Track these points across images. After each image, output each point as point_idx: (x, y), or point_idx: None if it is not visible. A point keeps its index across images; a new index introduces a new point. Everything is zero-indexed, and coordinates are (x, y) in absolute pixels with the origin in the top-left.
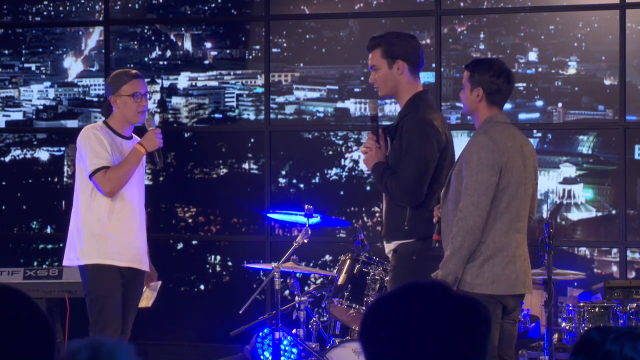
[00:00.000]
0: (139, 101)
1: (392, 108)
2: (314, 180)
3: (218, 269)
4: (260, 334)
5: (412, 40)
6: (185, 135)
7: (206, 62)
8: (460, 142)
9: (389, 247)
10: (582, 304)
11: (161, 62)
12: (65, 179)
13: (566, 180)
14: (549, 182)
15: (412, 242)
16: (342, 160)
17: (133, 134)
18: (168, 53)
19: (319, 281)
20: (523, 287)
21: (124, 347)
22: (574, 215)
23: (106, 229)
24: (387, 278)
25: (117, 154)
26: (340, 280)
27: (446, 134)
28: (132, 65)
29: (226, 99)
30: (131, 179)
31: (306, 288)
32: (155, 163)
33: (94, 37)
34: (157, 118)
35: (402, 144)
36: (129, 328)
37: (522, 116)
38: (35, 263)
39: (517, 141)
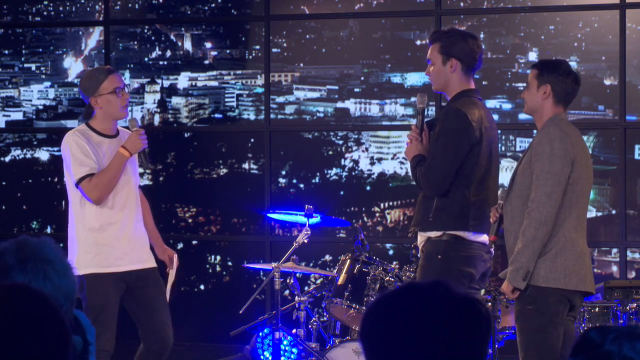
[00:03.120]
0: (121, 96)
1: (392, 108)
2: (314, 180)
3: (218, 269)
4: (260, 334)
5: (472, 41)
6: (185, 135)
7: (206, 62)
8: None
9: (419, 238)
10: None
11: (161, 62)
12: (65, 179)
13: None
14: None
15: (436, 240)
16: (342, 160)
17: (120, 128)
18: (168, 53)
19: (319, 281)
20: (591, 286)
21: (47, 241)
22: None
23: (101, 238)
24: (387, 278)
25: (103, 155)
26: (340, 280)
27: (482, 130)
28: (132, 65)
29: (226, 99)
30: (121, 179)
31: (306, 288)
32: (142, 165)
33: (94, 37)
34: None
35: (435, 134)
36: (164, 328)
37: (523, 116)
38: None
39: (581, 139)
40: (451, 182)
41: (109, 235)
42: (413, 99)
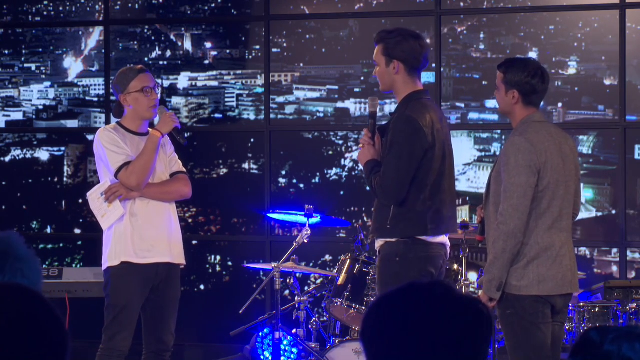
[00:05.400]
0: (149, 95)
1: (391, 108)
2: (314, 180)
3: (218, 269)
4: (260, 334)
5: (415, 42)
6: (185, 135)
7: (206, 62)
8: (459, 142)
9: (377, 243)
10: (582, 304)
11: (161, 62)
12: (65, 179)
13: None
14: None
15: (394, 242)
16: (342, 160)
17: (150, 130)
18: (168, 53)
19: (319, 281)
20: (570, 287)
21: (15, 237)
22: None
23: (132, 229)
24: None
25: (135, 151)
26: (340, 280)
27: (435, 134)
28: (132, 65)
29: (226, 99)
30: (152, 174)
31: (306, 288)
32: (179, 142)
33: (94, 37)
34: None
35: (387, 142)
36: (170, 331)
37: None
38: None
39: (555, 140)
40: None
41: (139, 227)
42: None
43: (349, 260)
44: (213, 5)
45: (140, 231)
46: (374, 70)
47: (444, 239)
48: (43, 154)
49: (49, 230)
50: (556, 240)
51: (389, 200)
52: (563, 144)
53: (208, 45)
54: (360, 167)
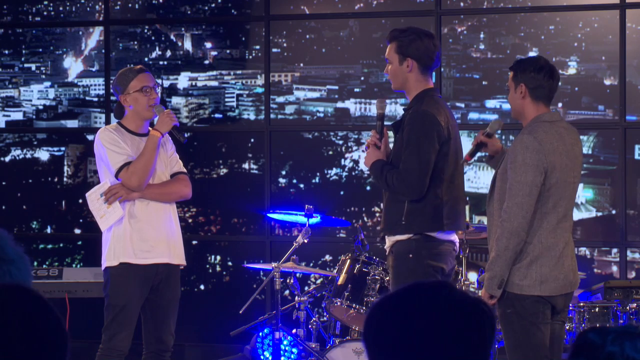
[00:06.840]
0: (149, 95)
1: (392, 108)
2: (314, 180)
3: (218, 269)
4: (260, 334)
5: (428, 41)
6: (185, 135)
7: (206, 62)
8: None
9: (387, 242)
10: (582, 304)
11: (161, 62)
12: (65, 179)
13: None
14: None
15: (405, 240)
16: (342, 160)
17: (151, 129)
18: (168, 53)
19: (319, 281)
20: (570, 287)
21: (3, 236)
22: (574, 215)
23: (131, 230)
24: (387, 278)
25: (136, 151)
26: (340, 280)
27: (449, 129)
28: (132, 66)
29: (226, 99)
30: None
31: (306, 288)
32: (179, 140)
33: (94, 37)
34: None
35: (404, 138)
36: (170, 332)
37: None
38: (35, 263)
39: (565, 140)
40: None
41: (139, 227)
42: None
43: (349, 260)
44: (213, 5)
45: (140, 232)
46: (385, 68)
47: (453, 236)
48: (43, 154)
49: (49, 230)
50: (559, 241)
51: (411, 194)
52: (574, 145)
53: (208, 45)
54: (361, 166)
